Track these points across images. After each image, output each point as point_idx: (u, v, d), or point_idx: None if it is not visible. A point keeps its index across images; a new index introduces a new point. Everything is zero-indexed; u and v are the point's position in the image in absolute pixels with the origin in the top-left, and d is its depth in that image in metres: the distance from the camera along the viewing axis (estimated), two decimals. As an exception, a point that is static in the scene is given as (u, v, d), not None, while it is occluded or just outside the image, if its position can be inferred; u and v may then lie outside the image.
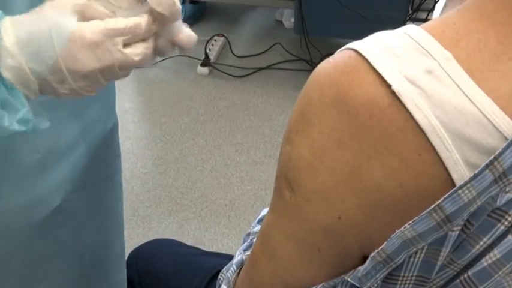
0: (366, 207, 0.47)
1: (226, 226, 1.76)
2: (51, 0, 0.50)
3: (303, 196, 0.51)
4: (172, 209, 1.82)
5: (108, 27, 0.50)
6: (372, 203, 0.47)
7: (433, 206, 0.44)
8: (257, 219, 0.80)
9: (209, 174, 1.94)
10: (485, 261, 0.46)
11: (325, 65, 0.50)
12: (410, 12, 2.16)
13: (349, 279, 0.49)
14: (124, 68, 0.53)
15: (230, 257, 0.90)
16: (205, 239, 1.72)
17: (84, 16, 0.50)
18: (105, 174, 0.88)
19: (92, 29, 0.49)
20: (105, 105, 0.84)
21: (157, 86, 2.34)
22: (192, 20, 2.61)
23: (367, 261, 0.48)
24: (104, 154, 0.86)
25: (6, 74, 0.49)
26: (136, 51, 0.52)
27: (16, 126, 0.49)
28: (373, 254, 0.47)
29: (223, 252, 1.67)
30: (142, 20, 0.51)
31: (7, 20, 0.49)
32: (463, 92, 0.43)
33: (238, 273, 0.62)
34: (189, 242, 1.70)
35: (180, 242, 1.03)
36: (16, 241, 0.74)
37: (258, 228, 0.77)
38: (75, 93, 0.52)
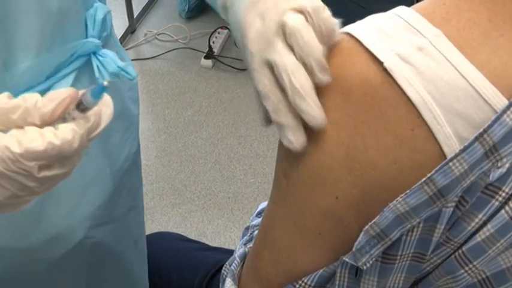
0: (362, 186, 0.48)
1: (229, 219, 1.77)
2: None
3: (299, 181, 0.51)
4: (176, 201, 1.83)
5: (15, 151, 0.38)
6: (368, 182, 0.47)
7: (424, 179, 0.44)
8: (255, 213, 0.81)
9: (212, 166, 1.94)
10: (478, 237, 0.46)
11: None
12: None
13: (347, 259, 0.50)
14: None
15: (232, 252, 0.90)
16: (208, 231, 1.73)
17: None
18: (130, 204, 0.81)
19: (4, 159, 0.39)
20: (130, 126, 0.78)
21: (161, 79, 2.34)
22: (196, 12, 2.61)
23: (361, 234, 0.48)
24: (128, 181, 0.80)
25: None
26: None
27: None
28: (366, 227, 0.47)
29: (226, 245, 1.68)
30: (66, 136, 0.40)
31: None
32: (454, 67, 0.44)
33: (242, 266, 0.63)
34: (192, 235, 1.71)
35: (182, 236, 1.04)
36: (33, 279, 0.71)
37: (257, 221, 0.77)
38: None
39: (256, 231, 0.71)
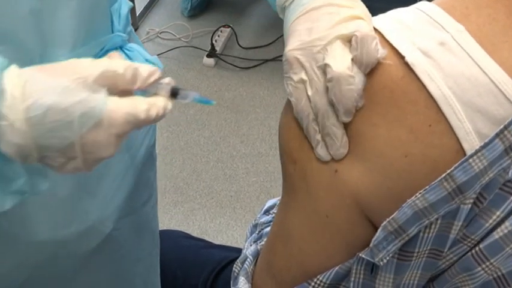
0: (363, 167, 0.48)
1: (232, 217, 1.76)
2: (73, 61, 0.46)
3: (305, 162, 0.52)
4: (178, 199, 1.82)
5: (137, 118, 0.47)
6: (370, 166, 0.48)
7: (444, 175, 0.44)
8: (263, 210, 0.81)
9: (214, 165, 1.94)
10: (496, 234, 0.46)
11: None
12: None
13: (363, 256, 0.50)
14: None
15: (237, 250, 0.90)
16: (210, 230, 1.73)
17: (108, 85, 0.47)
18: (147, 196, 0.82)
19: (120, 119, 0.46)
20: None
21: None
22: (198, 10, 2.60)
23: (379, 230, 0.48)
24: (146, 174, 0.81)
25: (6, 149, 0.44)
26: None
27: (8, 200, 0.45)
28: (384, 223, 0.47)
29: (228, 243, 1.68)
30: (160, 109, 0.49)
31: (14, 78, 0.43)
32: (476, 63, 0.44)
33: (255, 264, 0.63)
34: (194, 233, 1.71)
35: (186, 234, 1.03)
36: (65, 273, 0.71)
37: (265, 219, 0.77)
38: (78, 171, 0.48)
39: (265, 229, 0.71)
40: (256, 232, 0.73)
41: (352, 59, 0.48)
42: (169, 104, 0.50)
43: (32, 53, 0.54)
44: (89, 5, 0.59)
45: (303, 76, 0.49)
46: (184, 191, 1.85)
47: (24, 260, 0.64)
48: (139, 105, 0.47)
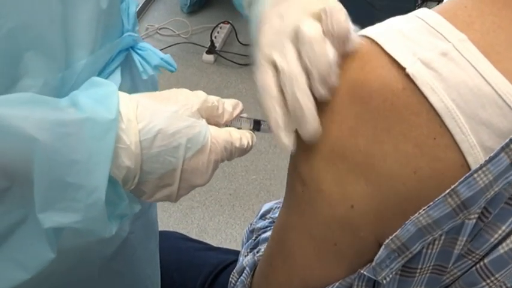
0: (380, 196, 0.46)
1: (231, 216, 1.76)
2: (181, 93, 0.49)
3: (315, 188, 0.50)
4: (177, 197, 1.82)
5: (233, 145, 0.50)
6: (386, 191, 0.46)
7: (448, 191, 0.43)
8: (259, 215, 0.79)
9: (214, 163, 1.93)
10: (501, 249, 0.45)
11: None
12: (419, 2, 2.13)
13: (364, 272, 0.48)
14: None
15: (234, 252, 0.89)
16: (209, 228, 1.72)
17: (206, 117, 0.50)
18: None
19: (220, 146, 0.49)
20: None
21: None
22: (197, 7, 2.59)
23: (381, 248, 0.47)
24: None
25: (116, 172, 0.44)
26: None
27: (114, 225, 0.46)
28: (387, 241, 0.46)
29: (227, 241, 1.67)
30: (249, 140, 0.52)
31: (128, 101, 0.44)
32: (479, 74, 0.42)
33: (253, 275, 0.62)
34: (193, 231, 1.71)
35: (183, 235, 1.02)
36: (84, 279, 0.70)
37: (262, 224, 0.76)
38: (166, 199, 0.50)
39: (262, 235, 0.70)
40: (253, 238, 0.72)
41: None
42: (254, 137, 0.53)
43: (58, 57, 0.54)
44: (106, 6, 0.58)
45: (274, 56, 0.48)
46: (183, 189, 1.84)
47: (50, 268, 0.64)
48: (233, 134, 0.50)
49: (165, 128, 0.45)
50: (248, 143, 0.52)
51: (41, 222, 0.43)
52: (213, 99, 0.51)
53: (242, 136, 0.51)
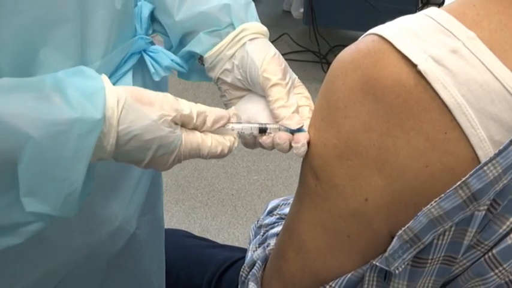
0: (393, 189, 0.48)
1: (233, 215, 1.77)
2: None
3: (328, 182, 0.51)
4: (179, 197, 1.82)
5: (200, 154, 0.55)
6: (399, 185, 0.47)
7: (458, 183, 0.44)
8: (266, 211, 0.80)
9: (216, 163, 1.94)
10: (509, 239, 0.46)
11: (348, 51, 0.51)
12: (420, 5, 2.15)
13: (377, 264, 0.50)
14: None
15: (240, 250, 0.90)
16: (211, 228, 1.73)
17: (182, 124, 0.54)
18: (157, 194, 0.84)
19: (185, 152, 0.53)
20: None
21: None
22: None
23: (394, 239, 0.48)
24: (157, 172, 0.82)
25: (91, 161, 0.49)
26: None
27: (79, 205, 0.50)
28: (399, 232, 0.47)
29: (230, 241, 1.68)
30: (228, 146, 0.56)
31: (114, 106, 0.49)
32: (488, 70, 0.44)
33: (264, 269, 0.62)
34: (196, 231, 1.71)
35: (187, 233, 1.03)
36: (92, 274, 0.71)
37: (269, 220, 0.76)
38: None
39: (270, 231, 0.71)
40: (261, 234, 0.72)
41: None
42: (235, 143, 0.58)
43: (72, 54, 0.55)
44: (121, 7, 0.59)
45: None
46: (185, 189, 1.85)
47: (60, 264, 0.65)
48: (205, 143, 0.55)
49: (141, 134, 0.50)
50: (222, 150, 0.56)
51: (24, 205, 0.47)
52: (196, 110, 0.55)
53: (217, 144, 0.55)
